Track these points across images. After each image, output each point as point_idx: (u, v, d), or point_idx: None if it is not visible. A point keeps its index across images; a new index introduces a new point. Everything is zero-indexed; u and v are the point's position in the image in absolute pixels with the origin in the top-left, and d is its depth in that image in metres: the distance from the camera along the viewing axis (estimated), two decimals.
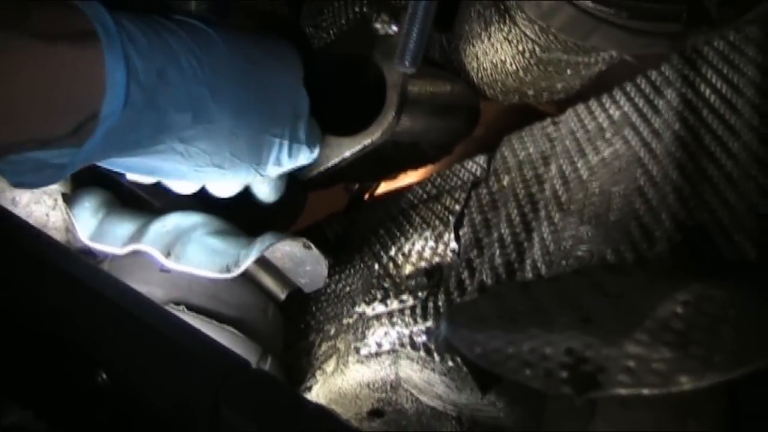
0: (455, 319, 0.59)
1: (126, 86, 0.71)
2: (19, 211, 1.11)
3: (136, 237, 0.98)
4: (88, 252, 1.07)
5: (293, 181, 1.08)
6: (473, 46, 1.11)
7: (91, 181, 1.09)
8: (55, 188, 1.11)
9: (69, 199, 1.05)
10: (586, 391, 0.45)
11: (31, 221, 1.12)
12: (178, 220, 0.99)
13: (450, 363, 0.88)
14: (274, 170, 0.96)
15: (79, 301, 0.66)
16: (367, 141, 1.03)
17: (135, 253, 0.98)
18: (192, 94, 0.79)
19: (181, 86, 0.77)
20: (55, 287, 0.66)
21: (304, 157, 0.99)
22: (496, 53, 1.06)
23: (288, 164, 0.97)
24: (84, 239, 1.01)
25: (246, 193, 1.03)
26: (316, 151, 1.00)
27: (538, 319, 0.55)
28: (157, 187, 1.05)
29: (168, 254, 0.95)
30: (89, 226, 1.02)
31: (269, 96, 0.91)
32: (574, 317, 0.52)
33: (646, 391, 0.44)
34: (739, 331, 0.47)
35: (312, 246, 1.01)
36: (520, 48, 1.00)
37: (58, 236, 1.14)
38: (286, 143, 0.94)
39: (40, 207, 1.12)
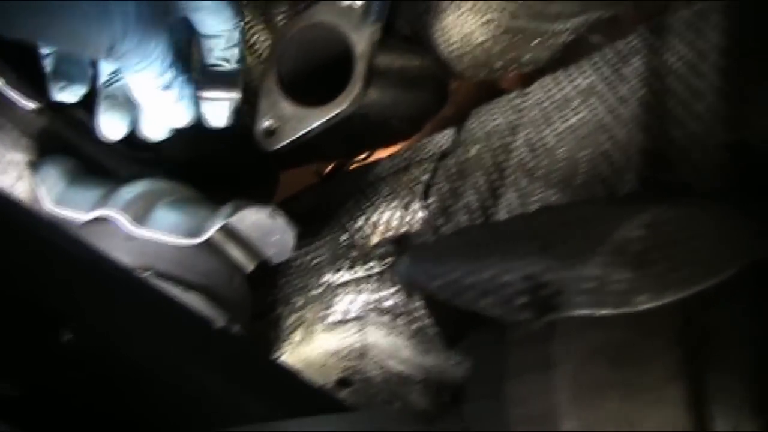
0: (417, 255, 0.59)
1: None
2: None
3: (102, 203, 0.98)
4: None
5: (263, 159, 1.09)
6: (440, 20, 1.11)
7: (56, 151, 1.09)
8: (21, 158, 1.10)
9: (34, 166, 1.04)
10: (545, 314, 0.45)
11: None
12: (145, 186, 0.99)
13: (414, 326, 0.88)
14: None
15: (41, 259, 0.66)
16: (335, 111, 1.03)
17: (101, 221, 0.98)
18: None
19: None
20: (13, 244, 0.66)
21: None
22: (462, 26, 1.07)
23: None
24: (49, 205, 1.00)
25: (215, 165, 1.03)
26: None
27: (498, 248, 0.55)
28: (123, 155, 1.05)
29: (134, 220, 0.95)
30: (54, 192, 1.01)
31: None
32: (533, 245, 0.52)
33: (604, 311, 0.44)
34: (693, 251, 0.47)
35: (279, 215, 1.01)
36: (487, 17, 1.01)
37: None
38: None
39: (6, 177, 1.11)
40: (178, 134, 1.14)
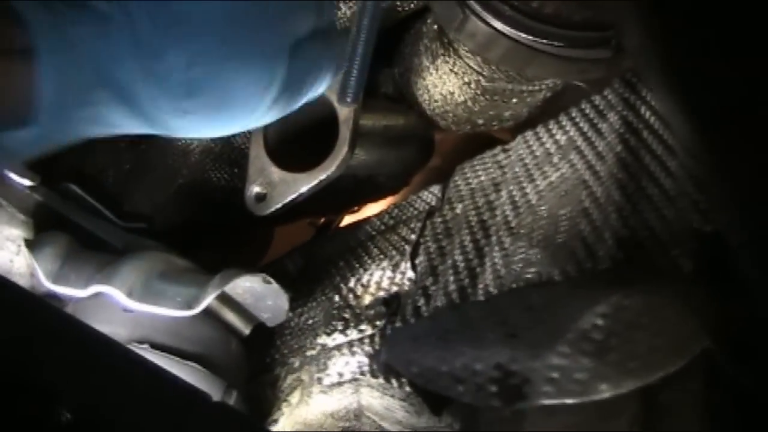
0: (394, 342, 0.61)
1: (58, 96, 0.72)
2: None
3: (98, 278, 1.00)
4: (53, 296, 1.08)
5: (254, 219, 1.11)
6: (423, 78, 1.14)
7: (51, 226, 1.11)
8: (18, 234, 1.13)
9: (31, 245, 1.06)
10: (513, 402, 0.47)
11: None
12: (139, 259, 1.01)
13: (408, 388, 0.90)
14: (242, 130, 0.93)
15: (40, 340, 0.67)
16: (322, 176, 1.05)
17: (98, 294, 1.00)
18: (133, 91, 0.78)
19: (120, 84, 0.77)
20: (12, 325, 0.67)
21: (272, 118, 0.94)
22: (444, 85, 1.09)
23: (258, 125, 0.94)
24: (46, 284, 1.02)
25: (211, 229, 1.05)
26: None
27: (468, 336, 0.57)
28: (117, 227, 1.08)
29: (129, 294, 0.97)
30: (51, 270, 1.03)
31: (233, 75, 0.84)
32: (501, 332, 0.54)
33: (568, 401, 0.46)
34: (651, 338, 0.49)
35: (272, 281, 1.03)
36: (466, 79, 1.03)
37: (23, 282, 1.15)
38: (253, 110, 0.89)
39: (4, 253, 1.13)
40: (170, 202, 1.17)
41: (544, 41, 0.79)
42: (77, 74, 0.72)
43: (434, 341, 0.59)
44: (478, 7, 0.79)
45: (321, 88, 0.97)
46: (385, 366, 0.57)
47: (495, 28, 0.79)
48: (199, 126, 0.86)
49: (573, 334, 0.50)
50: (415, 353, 0.55)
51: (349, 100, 0.80)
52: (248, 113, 0.89)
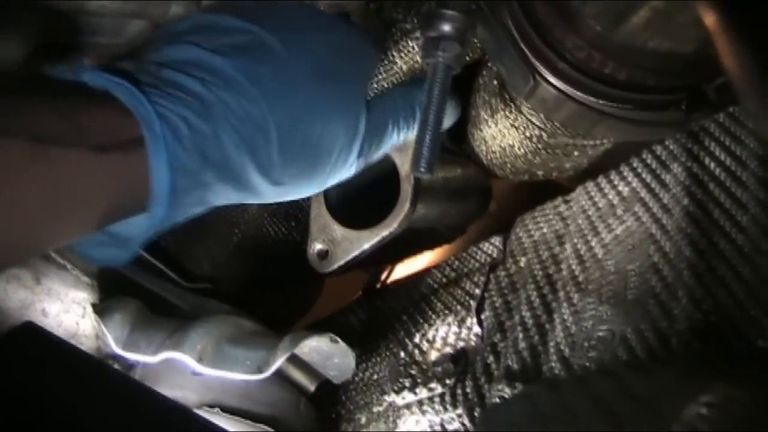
0: (488, 423, 0.61)
1: (171, 182, 0.73)
2: (50, 321, 1.14)
3: (168, 344, 1.01)
4: (119, 357, 1.09)
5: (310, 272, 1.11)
6: (481, 130, 1.14)
7: (116, 288, 1.12)
8: (84, 297, 1.14)
9: (99, 310, 1.08)
10: None
11: (61, 330, 1.15)
12: (208, 326, 1.02)
13: None
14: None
15: (114, 414, 0.68)
16: (384, 233, 1.06)
17: (167, 359, 1.01)
18: (233, 167, 0.80)
19: (222, 163, 0.79)
20: (88, 401, 0.68)
21: (354, 172, 0.97)
22: (503, 138, 1.09)
23: (335, 181, 0.96)
24: (117, 351, 1.03)
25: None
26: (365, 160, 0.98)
27: (569, 423, 0.57)
28: (183, 288, 1.08)
29: (200, 359, 0.98)
30: (120, 336, 1.04)
31: (323, 138, 0.88)
32: (606, 422, 0.54)
33: None
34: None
35: (339, 340, 1.03)
36: (527, 134, 1.03)
37: (89, 343, 1.16)
38: (340, 168, 0.93)
39: (70, 316, 1.15)
40: (230, 258, 1.18)
41: (613, 104, 0.79)
42: (185, 159, 0.74)
43: (532, 427, 0.59)
44: (547, 73, 0.79)
45: (401, 135, 0.98)
46: None
47: (564, 93, 0.79)
48: (292, 190, 0.89)
49: (680, 425, 0.50)
50: None
51: (423, 170, 0.80)
52: (337, 170, 0.92)
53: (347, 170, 0.94)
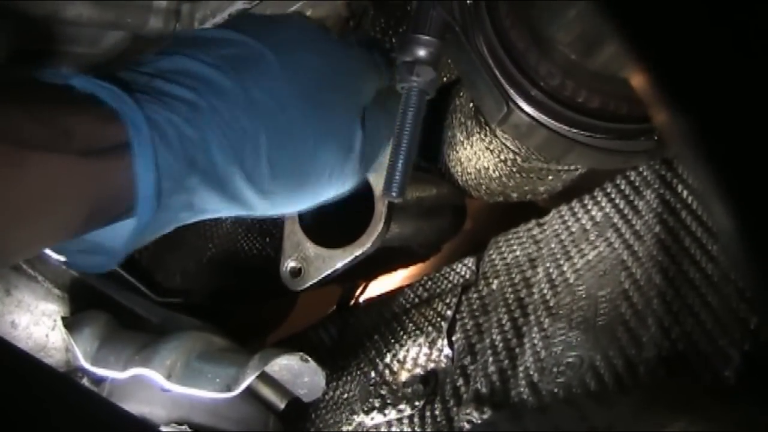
0: None
1: (156, 184, 0.73)
2: (19, 333, 1.13)
3: (137, 360, 1.00)
4: (88, 372, 1.09)
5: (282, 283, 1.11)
6: (457, 151, 1.14)
7: (87, 301, 1.12)
8: (54, 309, 1.13)
9: (68, 323, 1.07)
10: None
11: (30, 342, 1.14)
12: (177, 342, 1.01)
13: None
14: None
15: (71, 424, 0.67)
16: (358, 252, 1.06)
17: (136, 375, 1.00)
18: (221, 175, 0.80)
19: (210, 170, 0.79)
20: (48, 417, 0.67)
21: (345, 190, 0.96)
22: (478, 160, 1.09)
23: (331, 198, 0.95)
24: (85, 365, 1.03)
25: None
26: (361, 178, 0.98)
27: None
28: (154, 302, 1.08)
29: (169, 376, 0.97)
30: (89, 351, 1.04)
31: (315, 154, 0.87)
32: None
33: None
34: None
35: (309, 359, 1.03)
36: (502, 157, 1.03)
37: (58, 356, 1.16)
38: (332, 185, 0.92)
39: (40, 328, 1.14)
40: (203, 272, 1.18)
41: (585, 133, 0.79)
42: (172, 162, 0.74)
43: None
44: (521, 100, 0.79)
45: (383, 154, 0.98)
46: None
47: (537, 120, 0.79)
48: (282, 203, 0.88)
49: None
50: None
51: (394, 194, 0.80)
52: (329, 186, 0.91)
53: (344, 186, 0.94)
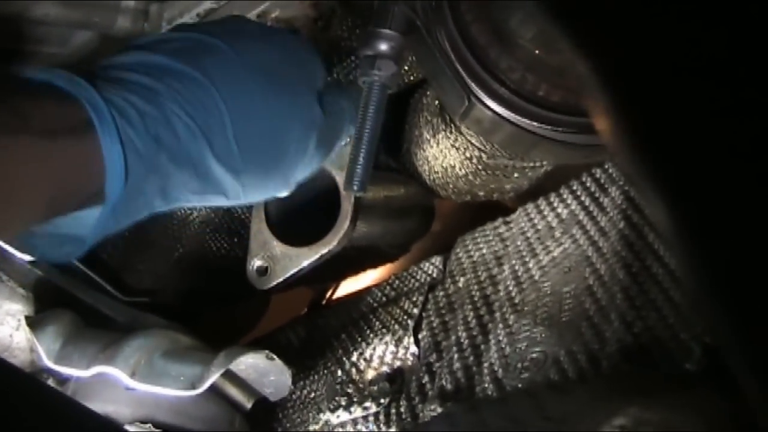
0: None
1: (124, 163, 0.73)
2: None
3: (101, 358, 0.99)
4: (52, 371, 1.08)
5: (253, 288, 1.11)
6: (423, 150, 1.14)
7: (52, 300, 1.11)
8: (19, 309, 1.12)
9: (32, 322, 1.06)
10: None
11: None
12: (142, 340, 1.01)
13: None
14: (286, 191, 0.95)
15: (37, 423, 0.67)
16: (324, 250, 1.06)
17: (100, 373, 0.99)
18: (189, 152, 0.80)
19: (176, 146, 0.78)
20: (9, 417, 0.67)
21: (312, 170, 0.96)
22: (445, 158, 1.09)
23: (299, 180, 0.95)
24: (48, 364, 1.02)
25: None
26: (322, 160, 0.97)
27: None
28: (120, 301, 1.07)
29: (132, 374, 0.96)
30: (53, 349, 1.03)
31: (279, 128, 0.88)
32: None
33: None
34: None
35: (275, 357, 1.02)
36: (467, 154, 1.03)
37: (23, 356, 1.14)
38: (298, 162, 0.92)
39: (4, 328, 1.13)
40: (171, 273, 1.17)
41: (548, 127, 0.79)
42: (134, 137, 0.73)
43: None
44: (482, 94, 0.79)
45: (346, 137, 0.99)
46: None
47: (499, 115, 0.79)
48: (252, 184, 0.88)
49: None
50: None
51: (356, 188, 0.80)
52: (295, 164, 0.91)
53: (308, 163, 0.93)
